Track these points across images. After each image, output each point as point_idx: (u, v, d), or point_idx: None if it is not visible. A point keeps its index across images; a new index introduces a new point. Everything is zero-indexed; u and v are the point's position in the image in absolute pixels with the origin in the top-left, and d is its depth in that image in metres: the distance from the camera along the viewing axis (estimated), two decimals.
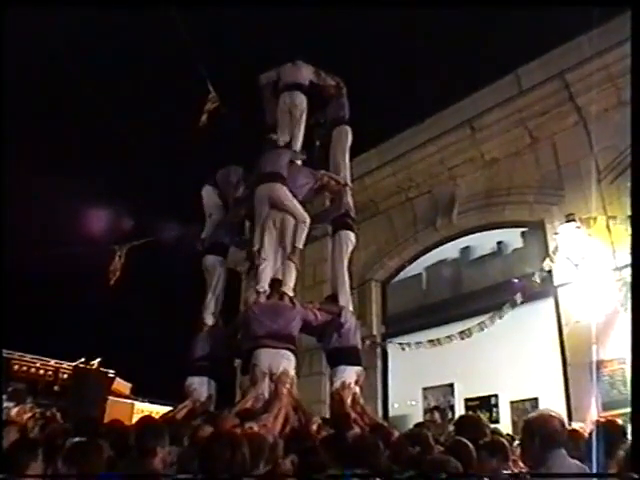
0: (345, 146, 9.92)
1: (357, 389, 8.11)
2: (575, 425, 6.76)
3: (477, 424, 5.57)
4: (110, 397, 25.21)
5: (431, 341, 10.62)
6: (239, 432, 4.90)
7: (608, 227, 9.00)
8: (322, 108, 10.38)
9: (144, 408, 23.86)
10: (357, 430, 6.48)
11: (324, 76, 10.23)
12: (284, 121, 9.74)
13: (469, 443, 4.58)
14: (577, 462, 3.83)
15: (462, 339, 10.12)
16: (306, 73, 10.07)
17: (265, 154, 9.41)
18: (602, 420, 4.75)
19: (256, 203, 8.91)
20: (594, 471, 3.72)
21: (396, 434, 6.08)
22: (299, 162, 9.49)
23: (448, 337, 10.36)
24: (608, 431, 4.23)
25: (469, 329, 10.08)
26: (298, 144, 9.64)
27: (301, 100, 9.81)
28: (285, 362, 7.71)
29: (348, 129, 10.05)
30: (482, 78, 11.62)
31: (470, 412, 9.83)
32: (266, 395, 7.36)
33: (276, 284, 8.40)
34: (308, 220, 8.84)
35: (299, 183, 9.04)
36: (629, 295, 8.08)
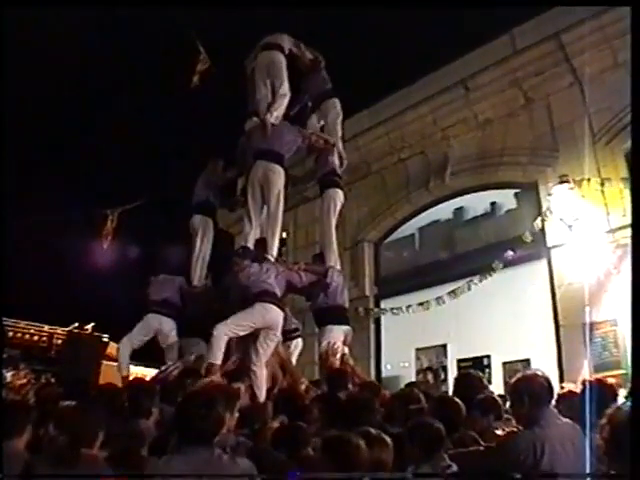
0: (336, 119, 9.78)
1: (346, 349, 8.10)
2: (566, 386, 6.83)
3: (474, 382, 5.57)
4: (104, 361, 25.31)
5: (421, 304, 10.65)
6: (215, 389, 4.90)
7: (602, 189, 8.95)
8: (301, 81, 10.17)
9: (138, 372, 23.92)
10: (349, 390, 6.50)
11: (304, 49, 10.01)
12: (263, 80, 9.48)
13: (457, 400, 4.60)
14: (569, 420, 3.85)
15: (452, 299, 10.15)
16: (287, 41, 9.81)
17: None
18: (592, 380, 4.75)
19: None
20: (587, 429, 3.73)
21: (387, 394, 6.11)
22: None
23: (437, 299, 10.40)
24: (599, 391, 4.24)
25: (458, 288, 10.13)
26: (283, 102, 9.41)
27: (280, 59, 9.45)
28: None
29: (337, 102, 9.90)
30: (476, 38, 11.48)
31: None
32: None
33: (260, 244, 8.35)
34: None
35: (286, 140, 8.86)
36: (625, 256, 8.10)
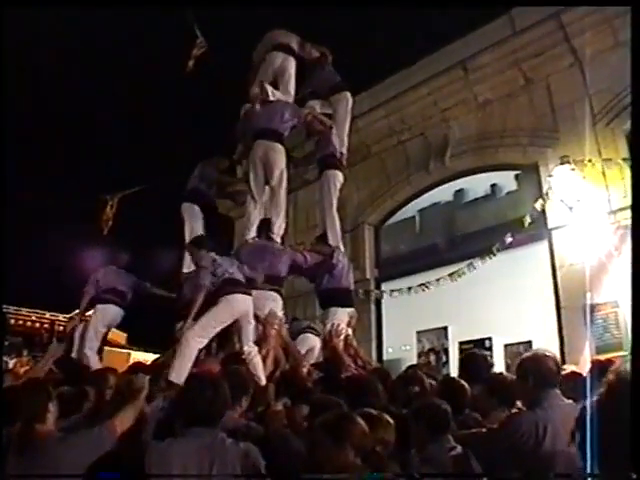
0: (345, 117, 9.71)
1: (350, 331, 8.09)
2: (568, 367, 6.83)
3: (479, 362, 5.56)
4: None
5: (421, 285, 10.62)
6: (217, 372, 4.88)
7: (603, 170, 8.92)
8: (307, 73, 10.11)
9: (139, 357, 23.97)
10: (350, 372, 6.49)
11: (309, 48, 9.93)
12: (268, 80, 9.41)
13: (462, 382, 4.60)
14: (572, 402, 3.84)
15: (453, 281, 10.13)
16: (294, 42, 9.68)
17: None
18: (600, 359, 4.75)
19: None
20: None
21: (392, 376, 6.12)
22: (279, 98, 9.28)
23: (438, 280, 10.36)
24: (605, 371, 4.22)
25: (459, 270, 10.08)
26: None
27: (290, 66, 9.50)
28: (272, 303, 7.64)
29: (349, 97, 9.84)
30: (475, 19, 11.40)
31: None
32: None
33: (265, 224, 8.32)
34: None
35: (285, 118, 8.82)
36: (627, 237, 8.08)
